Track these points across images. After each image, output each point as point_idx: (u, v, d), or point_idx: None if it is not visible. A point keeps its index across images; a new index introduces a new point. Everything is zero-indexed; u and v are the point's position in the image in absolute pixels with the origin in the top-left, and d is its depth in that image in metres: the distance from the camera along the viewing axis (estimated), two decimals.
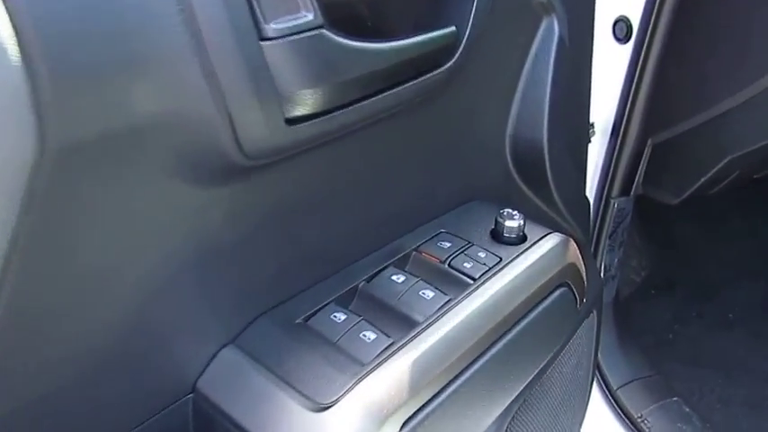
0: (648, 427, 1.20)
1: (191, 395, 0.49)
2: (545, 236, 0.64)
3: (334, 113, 0.43)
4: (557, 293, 0.62)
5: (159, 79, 0.35)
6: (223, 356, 0.50)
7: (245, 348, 0.50)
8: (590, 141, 1.07)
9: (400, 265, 0.59)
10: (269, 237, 0.50)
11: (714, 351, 1.40)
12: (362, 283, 0.56)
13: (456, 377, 0.51)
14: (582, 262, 0.67)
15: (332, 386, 0.46)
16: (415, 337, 0.50)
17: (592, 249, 1.21)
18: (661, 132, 1.14)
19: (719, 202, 1.41)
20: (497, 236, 0.62)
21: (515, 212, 0.63)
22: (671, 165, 1.14)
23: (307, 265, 0.54)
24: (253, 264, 0.49)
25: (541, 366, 0.66)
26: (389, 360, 0.48)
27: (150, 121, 0.36)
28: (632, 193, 1.22)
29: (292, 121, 0.40)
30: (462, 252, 0.60)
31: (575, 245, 0.66)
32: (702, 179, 1.03)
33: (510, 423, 0.69)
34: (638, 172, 1.18)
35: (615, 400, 1.24)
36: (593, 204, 1.19)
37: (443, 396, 0.50)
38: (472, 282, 0.57)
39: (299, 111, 0.40)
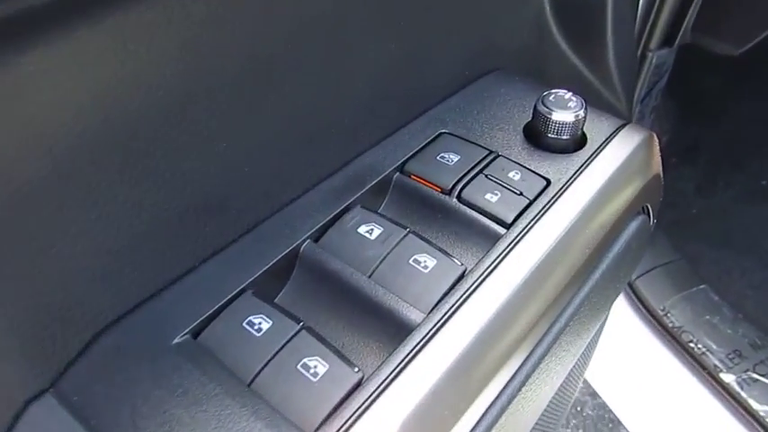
0: (671, 322, 1.02)
1: None
2: (615, 132, 0.37)
3: None
4: (632, 226, 0.37)
5: None
6: (31, 418, 0.25)
7: (71, 403, 0.25)
8: None
9: (372, 203, 0.33)
10: (96, 175, 0.23)
11: (745, 227, 1.19)
12: (305, 245, 0.30)
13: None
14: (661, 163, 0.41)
15: None
16: (403, 365, 0.25)
17: None
18: None
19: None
20: (538, 138, 0.36)
21: (569, 93, 0.35)
22: (736, 1, 0.83)
23: (190, 222, 0.27)
24: (71, 231, 0.23)
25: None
26: (360, 422, 0.24)
27: None
28: (676, 42, 0.93)
29: None
30: (481, 172, 0.34)
31: (656, 142, 0.39)
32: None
33: None
34: (689, 14, 0.88)
35: (634, 293, 1.05)
36: None
37: None
38: (503, 231, 0.31)
39: None
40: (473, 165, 0.34)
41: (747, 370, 0.95)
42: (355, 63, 0.32)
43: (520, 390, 0.29)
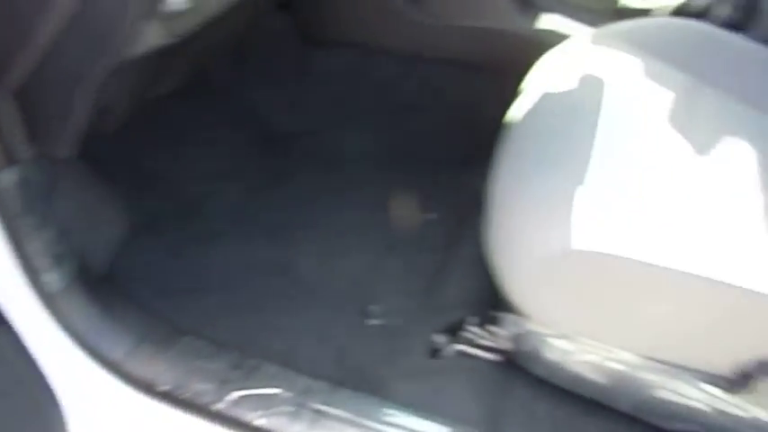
0: (164, 383, 1.07)
1: None
2: None
3: None
4: None
5: None
6: None
7: None
8: None
9: None
10: None
11: (208, 270, 1.34)
12: None
13: None
14: None
15: None
16: None
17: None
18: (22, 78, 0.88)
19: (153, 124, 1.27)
20: None
21: None
22: (45, 112, 0.92)
23: None
24: None
25: None
26: None
27: None
28: (26, 157, 0.97)
29: None
30: None
31: None
32: (69, 124, 0.83)
33: None
34: (15, 132, 0.93)
35: (128, 373, 1.07)
36: None
37: None
38: None
39: None
40: None
41: None
42: None
43: None
